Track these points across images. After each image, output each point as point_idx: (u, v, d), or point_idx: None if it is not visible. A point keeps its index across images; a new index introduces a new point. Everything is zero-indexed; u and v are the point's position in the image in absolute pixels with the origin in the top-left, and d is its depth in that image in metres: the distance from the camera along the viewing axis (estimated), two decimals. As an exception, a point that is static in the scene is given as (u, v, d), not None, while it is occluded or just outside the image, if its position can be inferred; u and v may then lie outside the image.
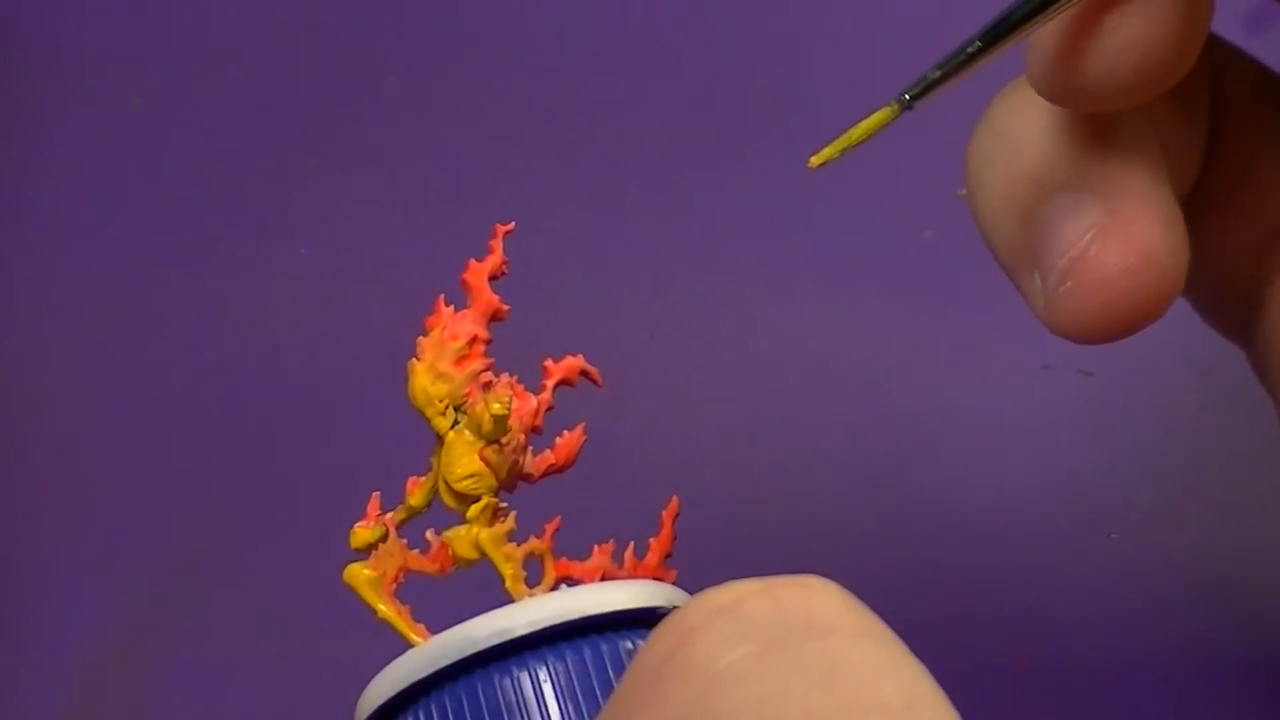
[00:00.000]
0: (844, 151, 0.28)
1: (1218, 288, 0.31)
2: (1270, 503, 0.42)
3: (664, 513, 0.30)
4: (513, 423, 0.28)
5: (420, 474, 0.30)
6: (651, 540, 0.30)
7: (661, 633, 0.22)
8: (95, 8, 0.54)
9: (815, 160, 0.28)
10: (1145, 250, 0.27)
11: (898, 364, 0.46)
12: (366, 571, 0.29)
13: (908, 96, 0.27)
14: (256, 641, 0.46)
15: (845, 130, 0.27)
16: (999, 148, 0.30)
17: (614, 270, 0.48)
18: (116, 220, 0.51)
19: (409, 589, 0.29)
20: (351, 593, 0.29)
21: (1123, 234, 0.27)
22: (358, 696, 0.32)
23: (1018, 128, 0.29)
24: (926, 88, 0.27)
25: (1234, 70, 0.31)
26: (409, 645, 0.28)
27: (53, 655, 0.46)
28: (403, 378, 0.47)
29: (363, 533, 0.30)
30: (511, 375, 0.29)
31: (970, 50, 0.27)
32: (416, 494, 0.30)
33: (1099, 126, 0.28)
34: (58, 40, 0.54)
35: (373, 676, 0.28)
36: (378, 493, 0.30)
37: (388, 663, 0.28)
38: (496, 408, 0.27)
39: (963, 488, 0.45)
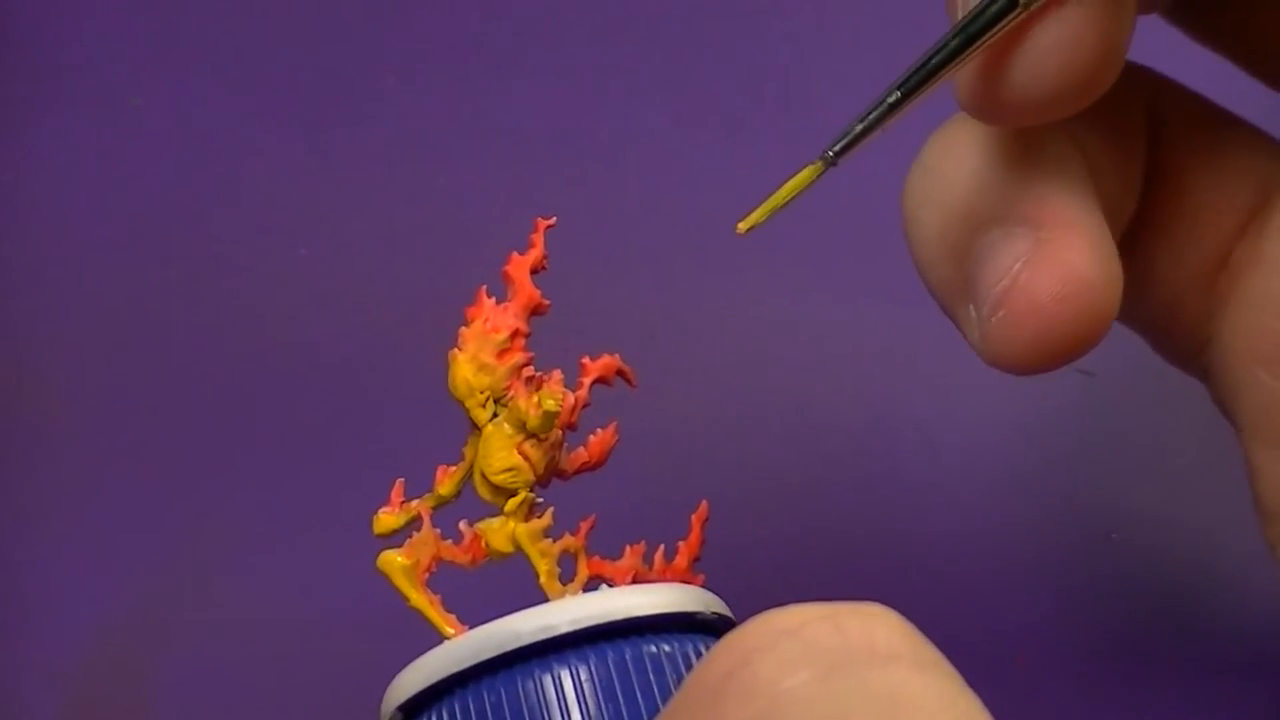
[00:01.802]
0: (771, 214, 0.28)
1: (1168, 320, 0.32)
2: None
3: (693, 516, 0.30)
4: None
5: (449, 464, 0.30)
6: (680, 543, 0.30)
7: (721, 651, 0.22)
8: (95, 8, 0.54)
9: (743, 225, 0.28)
10: (1075, 276, 0.27)
11: (898, 364, 0.47)
12: (401, 559, 0.28)
13: (831, 153, 0.28)
14: (256, 641, 0.46)
15: (771, 192, 0.28)
16: (932, 185, 0.30)
17: (619, 272, 0.48)
18: (115, 220, 0.51)
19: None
20: (384, 580, 0.29)
21: (1052, 261, 0.28)
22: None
23: (949, 165, 0.30)
24: (850, 143, 0.27)
25: (1172, 103, 0.31)
26: (441, 636, 0.28)
27: (53, 655, 0.46)
28: (402, 377, 0.47)
29: (387, 519, 0.30)
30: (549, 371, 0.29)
31: (890, 101, 0.27)
32: (446, 483, 0.30)
33: (1028, 160, 0.29)
34: (57, 40, 0.53)
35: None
36: (401, 479, 0.30)
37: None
38: (550, 403, 0.27)
39: (963, 488, 0.45)
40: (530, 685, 0.26)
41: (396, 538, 0.30)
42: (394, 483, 0.30)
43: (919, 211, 0.30)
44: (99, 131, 0.52)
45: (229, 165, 0.51)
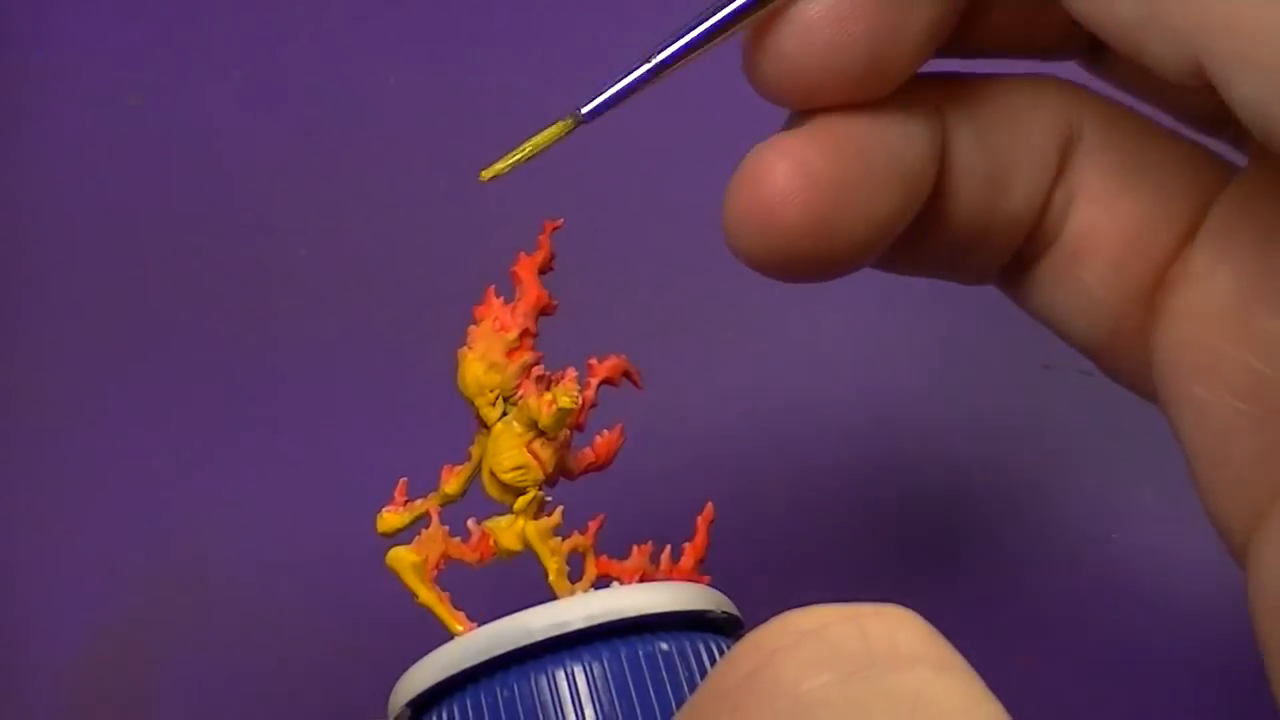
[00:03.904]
0: (515, 164, 0.28)
1: (1112, 343, 0.31)
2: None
3: (699, 518, 0.30)
4: (562, 417, 0.28)
5: (454, 463, 0.30)
6: (686, 545, 0.30)
7: (743, 650, 0.22)
8: (95, 8, 0.54)
9: (485, 174, 0.28)
10: (804, 162, 0.27)
11: (900, 365, 0.47)
12: (411, 556, 0.28)
13: (582, 111, 0.28)
14: (258, 640, 0.46)
15: (519, 144, 0.28)
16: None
17: (624, 274, 0.48)
18: (115, 219, 0.51)
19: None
20: (386, 579, 0.29)
21: (796, 140, 0.28)
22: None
23: None
24: (603, 103, 0.27)
25: (1102, 122, 0.31)
26: (450, 633, 0.28)
27: (53, 655, 0.46)
28: (404, 378, 0.47)
29: (390, 518, 0.30)
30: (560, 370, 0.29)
31: (646, 69, 0.27)
32: (452, 482, 0.30)
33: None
34: (57, 40, 0.53)
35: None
36: (404, 479, 0.30)
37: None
38: (566, 401, 0.27)
39: (964, 488, 0.45)
40: (544, 681, 0.26)
41: (400, 536, 0.30)
42: (397, 482, 0.30)
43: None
44: (99, 131, 0.52)
45: (229, 165, 0.51)
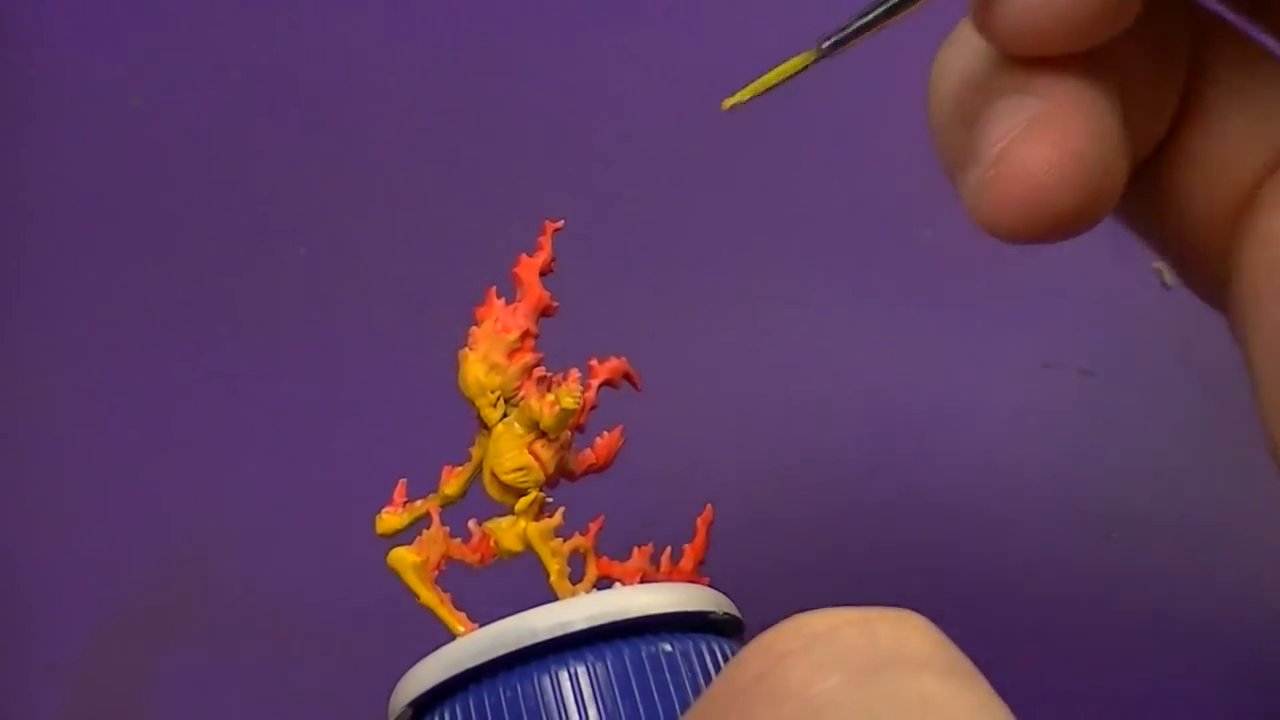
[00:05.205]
0: (758, 95, 0.28)
1: (1194, 252, 0.31)
2: (1269, 503, 0.42)
3: (699, 519, 0.30)
4: (564, 418, 0.28)
5: (454, 464, 0.30)
6: (686, 546, 0.30)
7: (752, 652, 0.22)
8: (95, 8, 0.54)
9: (728, 102, 0.28)
10: (1072, 147, 0.27)
11: (898, 364, 0.47)
12: (412, 557, 0.28)
13: (825, 45, 0.27)
14: (257, 640, 0.46)
15: (761, 74, 0.28)
16: (955, 56, 0.30)
17: (624, 275, 0.48)
18: (116, 220, 0.51)
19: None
20: (385, 580, 0.29)
21: (1053, 129, 0.27)
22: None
23: (976, 39, 0.29)
24: (844, 38, 0.27)
25: (1216, 39, 0.31)
26: (451, 634, 0.28)
27: (53, 655, 0.46)
28: (403, 378, 0.47)
29: (389, 519, 0.30)
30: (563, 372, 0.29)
31: (889, 3, 0.27)
32: (452, 483, 0.30)
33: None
34: (58, 40, 0.53)
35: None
36: (404, 480, 0.30)
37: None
38: (568, 401, 0.27)
39: (963, 488, 0.45)
40: (546, 681, 0.26)
41: (399, 537, 0.30)
42: (397, 483, 0.30)
43: (939, 81, 0.30)
44: (99, 131, 0.52)
45: (229, 165, 0.51)
